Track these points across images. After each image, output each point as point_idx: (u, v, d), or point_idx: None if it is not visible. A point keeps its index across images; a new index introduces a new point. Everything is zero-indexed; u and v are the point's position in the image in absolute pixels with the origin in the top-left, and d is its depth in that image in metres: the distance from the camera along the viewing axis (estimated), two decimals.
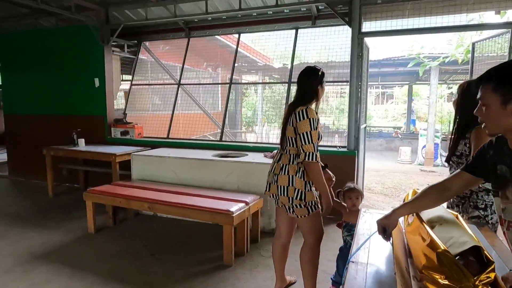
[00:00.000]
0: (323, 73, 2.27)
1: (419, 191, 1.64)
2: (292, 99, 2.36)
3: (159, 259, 3.14)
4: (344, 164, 4.06)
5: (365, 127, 4.71)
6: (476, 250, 1.08)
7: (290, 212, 2.28)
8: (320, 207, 2.28)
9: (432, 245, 1.10)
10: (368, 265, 1.35)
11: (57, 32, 5.61)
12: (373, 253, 1.45)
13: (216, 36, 5.85)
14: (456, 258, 1.05)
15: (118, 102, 6.24)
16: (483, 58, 4.17)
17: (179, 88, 5.59)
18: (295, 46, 4.82)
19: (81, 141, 5.04)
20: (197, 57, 6.41)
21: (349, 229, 2.33)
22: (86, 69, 5.38)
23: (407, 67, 8.79)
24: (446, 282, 1.01)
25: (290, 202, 2.23)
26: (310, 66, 2.31)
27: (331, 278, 2.58)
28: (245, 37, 5.69)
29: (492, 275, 1.00)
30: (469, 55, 6.21)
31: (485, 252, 1.05)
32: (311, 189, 2.24)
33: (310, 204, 2.24)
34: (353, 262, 1.37)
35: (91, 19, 5.06)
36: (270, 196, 2.39)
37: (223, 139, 5.03)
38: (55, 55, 5.60)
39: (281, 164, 2.27)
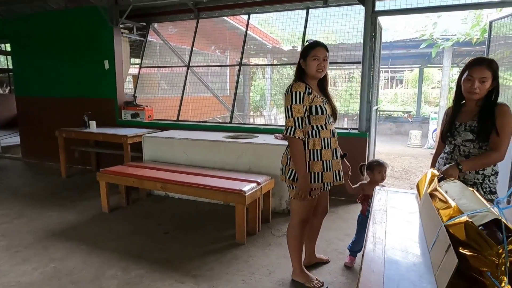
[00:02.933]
0: (306, 46, 2.15)
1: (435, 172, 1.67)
2: None
3: (172, 237, 3.20)
4: (355, 145, 4.04)
5: (376, 109, 4.66)
6: (497, 224, 1.07)
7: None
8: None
9: (455, 216, 1.11)
10: (386, 239, 1.36)
11: (66, 14, 5.58)
12: (390, 228, 1.47)
13: (225, 18, 5.75)
14: (479, 228, 1.05)
15: (126, 87, 6.25)
16: (501, 38, 4.04)
17: (189, 71, 5.56)
18: (306, 27, 4.74)
19: (92, 123, 5.10)
20: (206, 39, 6.34)
21: None
22: (96, 52, 5.37)
23: (420, 49, 8.59)
24: (470, 252, 1.01)
25: (286, 182, 2.26)
26: None
27: (348, 248, 2.72)
28: (254, 20, 5.60)
29: None
30: (485, 35, 6.04)
31: (508, 224, 1.05)
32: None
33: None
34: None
35: (100, 1, 5.01)
36: None
37: (233, 122, 5.02)
38: (64, 37, 5.59)
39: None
